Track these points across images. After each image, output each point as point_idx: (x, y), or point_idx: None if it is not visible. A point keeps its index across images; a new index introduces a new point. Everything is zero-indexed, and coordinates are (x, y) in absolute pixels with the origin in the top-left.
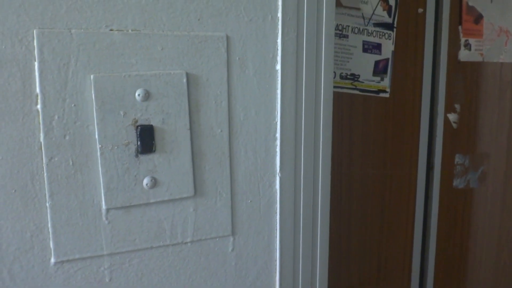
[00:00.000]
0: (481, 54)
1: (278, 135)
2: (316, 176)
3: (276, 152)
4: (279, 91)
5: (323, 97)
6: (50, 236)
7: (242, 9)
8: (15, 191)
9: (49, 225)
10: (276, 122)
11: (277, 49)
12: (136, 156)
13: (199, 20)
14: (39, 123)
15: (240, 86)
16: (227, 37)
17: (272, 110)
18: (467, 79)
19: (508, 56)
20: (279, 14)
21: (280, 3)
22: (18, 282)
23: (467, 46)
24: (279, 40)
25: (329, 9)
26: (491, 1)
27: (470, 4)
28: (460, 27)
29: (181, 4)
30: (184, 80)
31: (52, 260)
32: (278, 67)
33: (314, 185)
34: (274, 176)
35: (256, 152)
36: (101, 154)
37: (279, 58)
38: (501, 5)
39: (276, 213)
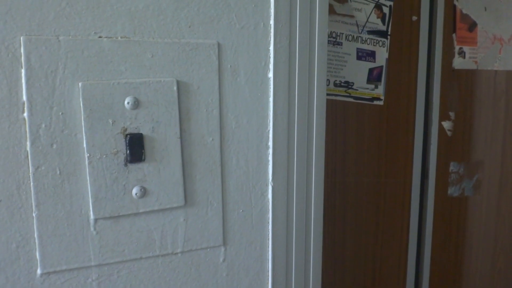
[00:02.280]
0: (475, 62)
1: (270, 143)
2: (309, 185)
3: (268, 161)
4: (271, 99)
5: (316, 105)
6: (37, 246)
7: (234, 16)
8: (0, 201)
9: (36, 235)
10: (269, 131)
11: (269, 57)
12: (125, 165)
13: (190, 27)
14: (26, 131)
15: (232, 94)
16: (219, 45)
17: (264, 119)
18: (461, 87)
19: (502, 64)
20: (272, 22)
21: (272, 10)
22: None
23: (461, 54)
24: (271, 48)
25: (322, 16)
26: (485, 9)
27: (464, 12)
28: (454, 35)
29: (171, 11)
30: (175, 88)
31: (39, 271)
32: (270, 75)
33: (307, 194)
34: (267, 185)
35: (248, 161)
36: (89, 163)
37: (271, 66)
38: (495, 13)
39: (269, 223)
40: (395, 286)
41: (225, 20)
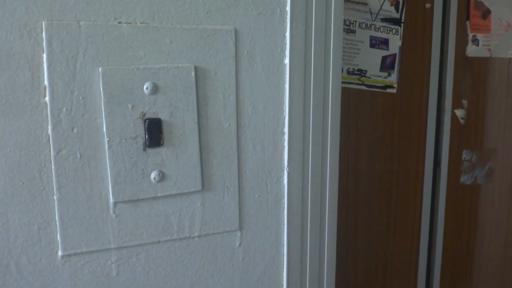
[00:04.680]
0: (489, 50)
1: (286, 129)
2: (324, 171)
3: (284, 147)
4: (287, 86)
5: (331, 92)
6: (58, 229)
7: (250, 3)
8: (22, 183)
9: (57, 218)
10: (284, 117)
11: (286, 43)
12: (144, 149)
13: (207, 13)
14: (47, 115)
15: (248, 80)
16: (236, 31)
17: (280, 105)
18: (474, 75)
19: None
20: (288, 8)
21: None
22: (25, 275)
23: (475, 41)
24: (287, 34)
25: (337, 3)
26: None
27: None
28: (467, 22)
29: None
30: (193, 73)
31: (60, 253)
32: (287, 61)
33: (322, 180)
34: (282, 171)
35: (264, 146)
36: (109, 147)
37: (287, 52)
38: (509, 0)
39: (284, 208)
40: (407, 273)
41: (242, 7)
